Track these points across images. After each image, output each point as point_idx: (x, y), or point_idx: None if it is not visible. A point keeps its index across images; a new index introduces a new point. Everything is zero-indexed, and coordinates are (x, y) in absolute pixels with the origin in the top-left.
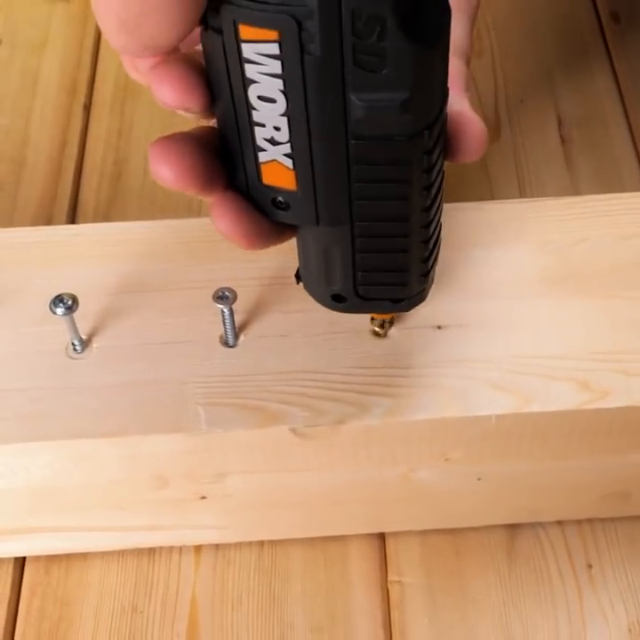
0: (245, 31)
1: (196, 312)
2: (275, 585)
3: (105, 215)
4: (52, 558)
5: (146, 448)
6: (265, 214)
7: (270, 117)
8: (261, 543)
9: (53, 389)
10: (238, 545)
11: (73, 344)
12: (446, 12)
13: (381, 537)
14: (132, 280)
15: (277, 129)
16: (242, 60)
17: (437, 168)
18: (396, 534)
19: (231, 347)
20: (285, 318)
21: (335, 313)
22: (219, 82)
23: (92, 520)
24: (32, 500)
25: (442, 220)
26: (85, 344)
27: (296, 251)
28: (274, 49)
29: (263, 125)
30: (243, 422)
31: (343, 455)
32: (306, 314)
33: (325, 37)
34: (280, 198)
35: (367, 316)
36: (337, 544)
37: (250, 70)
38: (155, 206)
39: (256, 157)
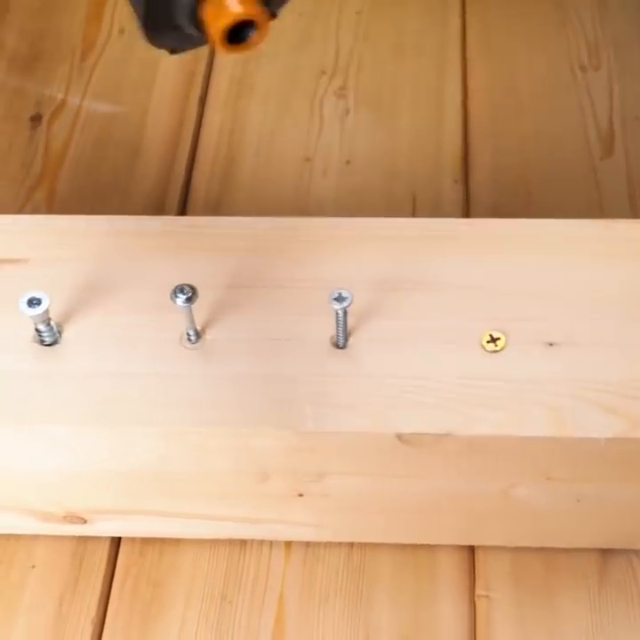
0: None
1: (309, 310)
2: (362, 587)
3: (214, 208)
4: (146, 540)
5: (252, 441)
6: None
7: None
8: (351, 544)
9: (166, 377)
10: (328, 544)
11: (188, 334)
12: None
13: (471, 550)
14: (247, 274)
15: None
16: None
17: None
18: (486, 548)
19: (341, 348)
20: (396, 324)
21: (448, 322)
22: None
23: (190, 507)
24: (136, 482)
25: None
26: (199, 335)
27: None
28: None
29: None
30: (349, 424)
31: (445, 465)
32: (417, 321)
33: None
34: None
35: (478, 329)
36: (427, 552)
37: None
38: (263, 203)
39: None
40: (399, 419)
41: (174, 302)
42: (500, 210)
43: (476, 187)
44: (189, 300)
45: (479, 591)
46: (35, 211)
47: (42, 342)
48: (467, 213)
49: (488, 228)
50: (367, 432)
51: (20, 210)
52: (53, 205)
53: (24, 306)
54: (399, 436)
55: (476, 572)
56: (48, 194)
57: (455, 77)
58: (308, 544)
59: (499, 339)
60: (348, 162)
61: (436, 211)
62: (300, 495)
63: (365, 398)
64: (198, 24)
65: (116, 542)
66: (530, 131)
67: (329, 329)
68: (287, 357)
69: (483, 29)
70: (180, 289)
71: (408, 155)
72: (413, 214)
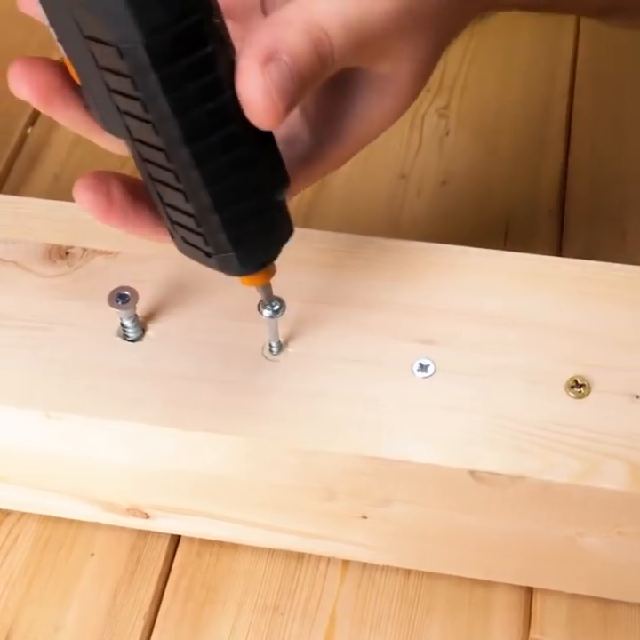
0: None
1: (394, 335)
2: (415, 616)
3: (305, 218)
4: (205, 542)
5: (322, 461)
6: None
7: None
8: (408, 571)
9: (244, 386)
10: (385, 568)
11: (270, 345)
12: None
13: (529, 591)
14: (335, 291)
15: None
16: None
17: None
18: (544, 591)
19: (424, 377)
20: (480, 359)
21: (532, 362)
22: None
23: (251, 515)
24: (201, 485)
25: None
26: (282, 347)
27: None
28: None
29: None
30: (423, 454)
31: (514, 507)
32: (501, 358)
33: None
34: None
35: (563, 373)
36: (484, 589)
37: None
38: (354, 217)
39: None
40: (475, 455)
41: (261, 313)
42: (592, 246)
43: (570, 219)
44: (277, 312)
45: (533, 634)
46: None
47: (125, 337)
48: (559, 245)
49: (582, 269)
50: (440, 465)
51: None
52: None
53: (112, 300)
54: (472, 473)
55: (531, 614)
56: None
57: (560, 107)
58: (365, 565)
59: (583, 385)
60: (443, 182)
61: (528, 240)
62: (364, 517)
63: (442, 431)
64: None
65: (176, 541)
66: (630, 170)
67: (412, 356)
68: (367, 380)
69: (594, 63)
70: (270, 301)
71: (505, 181)
72: (505, 241)
